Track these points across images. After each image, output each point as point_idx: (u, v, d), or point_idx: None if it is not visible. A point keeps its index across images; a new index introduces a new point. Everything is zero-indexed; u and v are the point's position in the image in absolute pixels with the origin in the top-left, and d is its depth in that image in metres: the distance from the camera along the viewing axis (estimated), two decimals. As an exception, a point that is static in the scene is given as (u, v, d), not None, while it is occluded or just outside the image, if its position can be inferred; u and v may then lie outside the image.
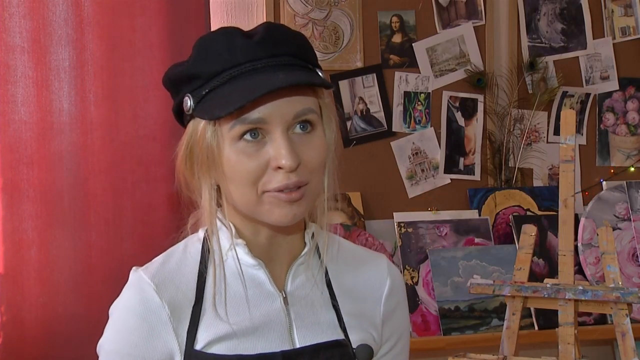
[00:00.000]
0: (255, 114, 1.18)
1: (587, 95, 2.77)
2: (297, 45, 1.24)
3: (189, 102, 1.23)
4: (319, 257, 1.34)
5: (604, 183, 2.75)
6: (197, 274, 1.27)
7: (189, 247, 1.31)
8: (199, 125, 1.23)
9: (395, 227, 2.54)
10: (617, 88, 2.80)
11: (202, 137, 1.22)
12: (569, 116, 1.81)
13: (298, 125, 1.21)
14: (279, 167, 1.19)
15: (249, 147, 1.19)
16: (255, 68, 1.19)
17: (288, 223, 1.23)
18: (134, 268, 1.28)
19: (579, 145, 2.76)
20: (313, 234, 1.32)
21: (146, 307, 1.23)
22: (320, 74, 1.25)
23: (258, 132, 1.19)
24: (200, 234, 1.31)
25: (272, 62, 1.20)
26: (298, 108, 1.20)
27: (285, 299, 1.28)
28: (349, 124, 2.59)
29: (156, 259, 1.30)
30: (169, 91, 1.29)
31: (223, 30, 1.24)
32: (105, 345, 1.26)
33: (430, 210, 2.62)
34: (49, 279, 2.25)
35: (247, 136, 1.19)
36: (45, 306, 2.25)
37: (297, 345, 1.26)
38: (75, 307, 2.26)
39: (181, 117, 1.28)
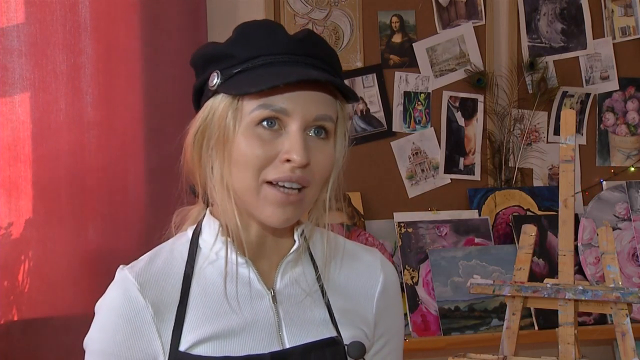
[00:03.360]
0: (280, 103, 1.19)
1: (587, 95, 2.77)
2: (332, 57, 1.26)
3: (215, 77, 1.23)
4: (310, 254, 1.33)
5: (604, 183, 2.75)
6: (183, 274, 1.26)
7: (177, 247, 1.30)
8: (219, 105, 1.22)
9: (395, 227, 2.54)
10: (617, 88, 2.80)
11: (223, 115, 1.21)
12: (569, 116, 1.81)
13: (313, 129, 1.21)
14: (288, 160, 1.19)
15: (264, 134, 1.19)
16: (292, 61, 1.21)
17: (279, 225, 1.23)
18: (120, 266, 1.28)
19: (579, 145, 2.76)
20: (303, 231, 1.31)
21: (130, 307, 1.22)
22: None
23: (276, 122, 1.20)
24: (189, 233, 1.30)
25: (308, 60, 1.22)
26: (321, 111, 1.21)
27: (274, 297, 1.27)
28: (349, 124, 2.59)
29: (143, 257, 1.29)
30: (195, 69, 1.29)
31: (268, 22, 1.26)
32: (90, 344, 1.26)
33: (430, 210, 2.62)
34: (46, 275, 2.27)
35: (265, 123, 1.19)
36: (43, 301, 2.27)
37: (287, 345, 1.25)
38: (73, 302, 2.28)
39: (198, 99, 1.27)
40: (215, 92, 1.23)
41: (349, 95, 1.25)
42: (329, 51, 1.26)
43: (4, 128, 2.26)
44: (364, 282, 1.36)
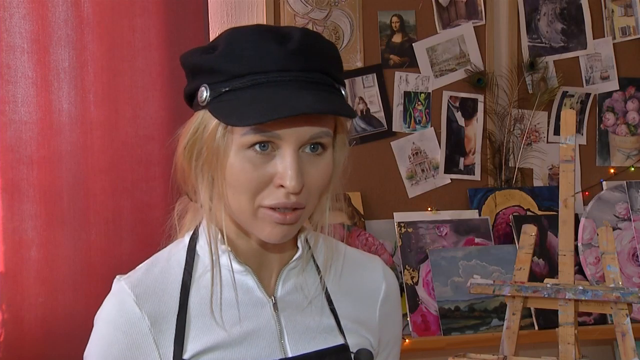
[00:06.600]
0: (273, 128, 1.13)
1: (587, 95, 2.77)
2: (328, 61, 1.19)
3: (205, 93, 1.17)
4: (313, 260, 1.30)
5: (604, 183, 2.75)
6: (180, 283, 1.22)
7: (173, 254, 1.26)
8: (209, 122, 1.18)
9: (395, 227, 2.54)
10: (617, 88, 2.80)
11: (212, 136, 1.17)
12: (569, 116, 1.81)
13: (309, 147, 1.16)
14: (282, 186, 1.15)
15: (256, 158, 1.15)
16: (283, 80, 1.14)
17: (278, 242, 1.19)
18: (117, 277, 1.25)
19: (579, 145, 2.76)
20: (307, 238, 1.28)
21: (126, 319, 1.19)
22: (343, 92, 1.21)
23: (268, 145, 1.15)
24: (186, 239, 1.27)
25: (301, 77, 1.15)
26: (315, 130, 1.15)
27: (275, 305, 1.24)
28: (349, 124, 2.59)
29: (140, 266, 1.26)
30: (184, 70, 1.24)
31: (258, 29, 1.18)
32: (88, 356, 1.24)
33: (430, 210, 2.62)
34: (49, 278, 2.26)
35: (257, 147, 1.14)
36: (45, 305, 2.26)
37: (289, 354, 1.22)
38: (75, 306, 2.27)
39: (191, 100, 1.23)
40: (205, 107, 1.19)
41: (349, 115, 1.18)
42: (325, 55, 1.19)
43: (6, 129, 2.24)
44: (367, 289, 1.34)
